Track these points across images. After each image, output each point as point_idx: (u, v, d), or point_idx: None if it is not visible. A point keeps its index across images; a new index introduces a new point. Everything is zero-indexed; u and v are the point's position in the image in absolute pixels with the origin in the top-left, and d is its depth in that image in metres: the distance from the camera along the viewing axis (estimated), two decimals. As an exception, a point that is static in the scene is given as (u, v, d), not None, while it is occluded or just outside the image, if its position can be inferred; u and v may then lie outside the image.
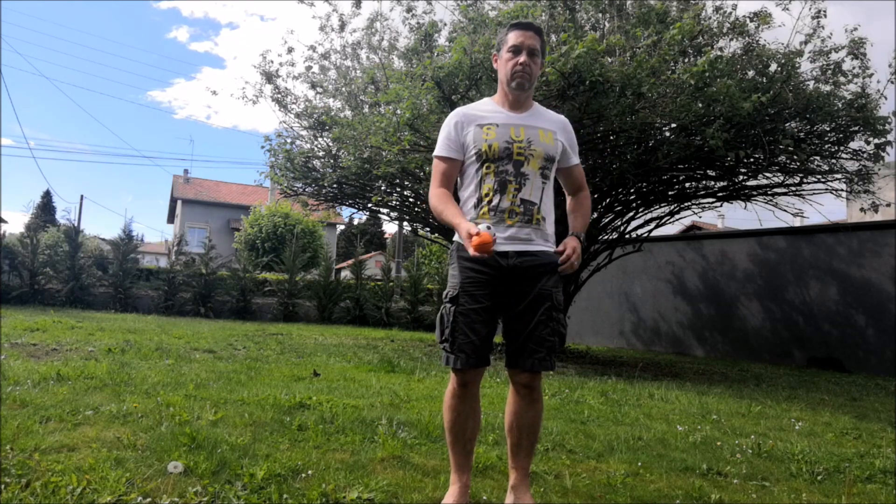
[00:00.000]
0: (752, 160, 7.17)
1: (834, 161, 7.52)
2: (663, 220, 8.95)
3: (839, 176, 7.80)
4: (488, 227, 2.02)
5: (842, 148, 7.34)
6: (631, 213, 8.63)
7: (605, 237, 8.80)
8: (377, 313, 13.07)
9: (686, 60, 6.61)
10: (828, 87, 6.83)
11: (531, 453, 2.28)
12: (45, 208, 38.30)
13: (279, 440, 2.91)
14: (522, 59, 2.21)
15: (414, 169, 7.13)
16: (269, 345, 7.28)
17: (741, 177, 7.87)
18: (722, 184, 8.08)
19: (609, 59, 5.98)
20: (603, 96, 5.83)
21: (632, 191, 8.05)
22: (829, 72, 6.87)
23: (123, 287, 12.11)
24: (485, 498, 2.35)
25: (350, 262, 22.76)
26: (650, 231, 9.12)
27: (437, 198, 2.24)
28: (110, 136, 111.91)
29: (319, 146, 9.22)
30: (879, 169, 7.61)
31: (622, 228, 8.82)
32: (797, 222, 9.39)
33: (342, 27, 8.99)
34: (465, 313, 2.14)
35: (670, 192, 8.33)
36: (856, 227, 8.93)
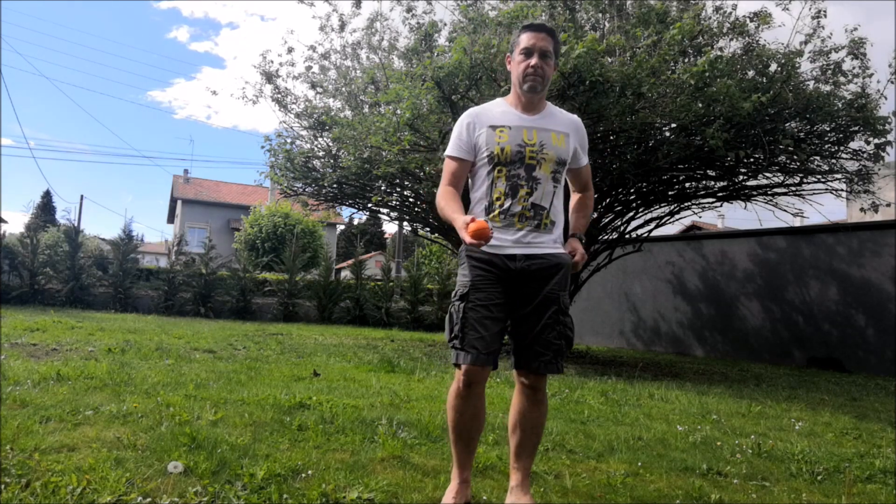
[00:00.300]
0: (752, 160, 7.17)
1: (834, 161, 7.52)
2: (663, 220, 8.95)
3: (839, 176, 7.80)
4: (486, 220, 2.04)
5: (842, 148, 7.34)
6: (631, 213, 8.63)
7: (605, 237, 8.79)
8: (377, 313, 13.07)
9: (686, 60, 6.61)
10: (828, 87, 6.83)
11: (533, 454, 2.28)
12: (45, 208, 38.30)
13: (279, 440, 2.90)
14: (534, 61, 2.20)
15: (414, 169, 7.13)
16: (269, 345, 7.28)
17: (741, 177, 7.87)
18: (722, 184, 8.08)
19: (609, 59, 5.98)
20: (603, 96, 5.83)
21: (632, 191, 8.05)
22: (829, 72, 6.87)
23: (123, 287, 12.11)
24: (485, 498, 2.35)
25: (350, 262, 22.76)
26: (650, 231, 9.12)
27: (442, 195, 2.25)
28: (110, 136, 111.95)
29: (319, 146, 9.22)
30: (879, 169, 7.61)
31: (622, 228, 8.82)
32: (797, 222, 9.39)
33: (342, 27, 9.00)
34: (476, 309, 2.14)
35: (670, 192, 8.33)
36: (856, 227, 8.93)
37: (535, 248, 2.19)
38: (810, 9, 6.76)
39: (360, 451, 2.83)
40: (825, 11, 6.78)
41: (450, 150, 2.30)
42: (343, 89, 8.92)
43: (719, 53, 6.40)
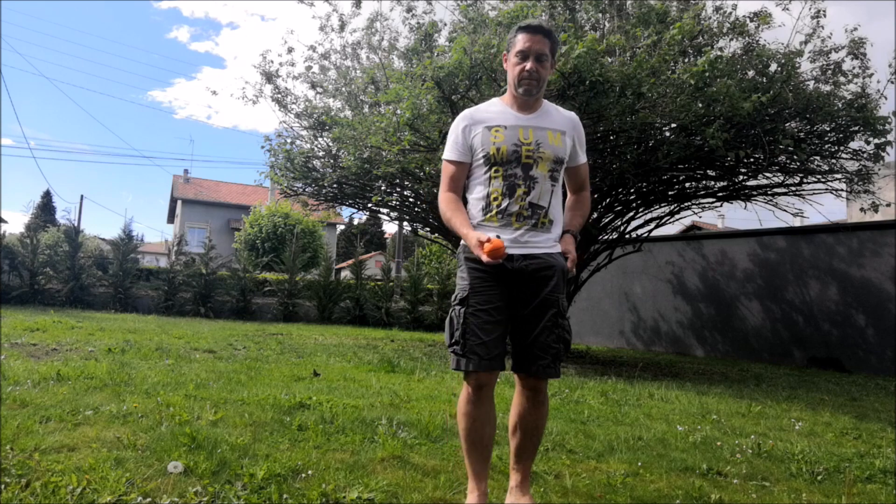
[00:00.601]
0: (752, 160, 7.17)
1: (834, 161, 7.52)
2: (663, 220, 8.94)
3: (839, 176, 7.79)
4: (497, 236, 2.05)
5: (842, 148, 7.33)
6: (631, 213, 8.62)
7: (605, 237, 8.79)
8: (377, 313, 13.07)
9: (686, 60, 6.61)
10: (828, 87, 6.82)
11: (533, 455, 2.27)
12: (45, 208, 38.26)
13: (279, 440, 2.90)
14: (529, 65, 2.18)
15: (414, 169, 7.12)
16: (269, 345, 7.28)
17: (741, 177, 7.86)
18: (722, 184, 8.08)
19: (609, 59, 5.97)
20: (603, 96, 5.83)
21: (632, 191, 8.04)
22: (829, 72, 6.87)
23: (123, 287, 12.11)
24: (485, 498, 2.35)
25: (350, 262, 22.75)
26: (650, 231, 9.11)
27: (445, 203, 2.24)
28: (110, 136, 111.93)
29: (319, 146, 9.21)
30: (879, 169, 7.60)
31: (622, 228, 8.81)
32: (797, 222, 9.39)
33: (342, 27, 8.99)
34: (476, 314, 2.12)
35: (670, 192, 8.33)
36: (856, 227, 8.93)
37: (532, 248, 2.17)
38: (810, 9, 6.76)
39: (360, 451, 2.83)
40: (825, 11, 6.78)
41: (447, 153, 2.29)
42: (343, 89, 8.91)
43: (719, 53, 6.39)
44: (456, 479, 2.51)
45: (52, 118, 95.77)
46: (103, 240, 15.45)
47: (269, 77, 9.14)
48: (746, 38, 6.81)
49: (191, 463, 2.41)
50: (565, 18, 6.48)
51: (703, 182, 8.15)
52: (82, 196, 37.34)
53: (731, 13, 6.96)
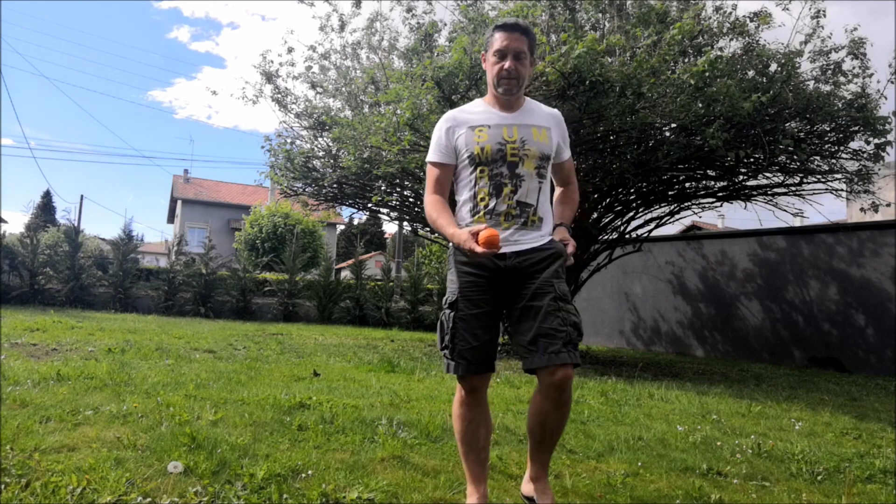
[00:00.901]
0: (752, 160, 7.17)
1: (834, 161, 7.52)
2: (663, 220, 8.94)
3: (839, 176, 7.80)
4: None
5: (842, 148, 7.33)
6: (631, 213, 8.62)
7: (605, 237, 8.79)
8: (377, 313, 13.07)
9: (686, 60, 6.60)
10: (828, 87, 6.83)
11: (553, 447, 2.20)
12: (45, 208, 38.30)
13: (279, 440, 2.90)
14: (507, 64, 2.16)
15: (414, 169, 7.13)
16: (269, 345, 7.28)
17: (741, 177, 7.86)
18: (722, 184, 8.08)
19: (609, 59, 5.97)
20: (603, 96, 5.83)
21: (632, 191, 8.04)
22: (829, 72, 6.87)
23: (123, 287, 12.11)
24: (485, 498, 2.35)
25: (350, 262, 22.75)
26: (650, 231, 9.11)
27: (431, 205, 2.22)
28: (110, 136, 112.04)
29: (319, 146, 9.22)
30: (879, 169, 7.60)
31: (622, 228, 8.81)
32: (797, 222, 9.39)
33: (342, 27, 8.99)
34: (465, 319, 2.11)
35: (670, 192, 8.33)
36: (856, 227, 8.93)
37: (523, 245, 2.14)
38: (810, 9, 6.76)
39: (360, 451, 2.83)
40: (825, 11, 6.78)
41: (430, 155, 2.27)
42: (343, 89, 8.91)
43: (719, 53, 6.39)
44: (456, 479, 2.51)
45: (52, 118, 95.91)
46: (103, 240, 15.46)
47: (270, 77, 9.15)
48: (746, 38, 6.81)
49: (191, 463, 2.41)
50: (565, 18, 6.48)
51: (703, 182, 8.15)
52: (82, 196, 37.41)
53: (731, 13, 6.96)
